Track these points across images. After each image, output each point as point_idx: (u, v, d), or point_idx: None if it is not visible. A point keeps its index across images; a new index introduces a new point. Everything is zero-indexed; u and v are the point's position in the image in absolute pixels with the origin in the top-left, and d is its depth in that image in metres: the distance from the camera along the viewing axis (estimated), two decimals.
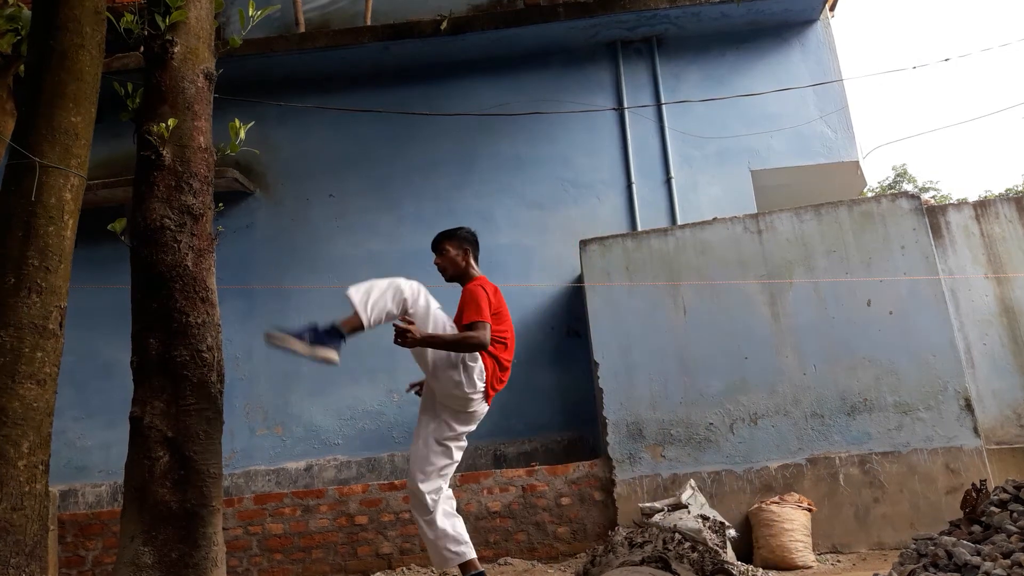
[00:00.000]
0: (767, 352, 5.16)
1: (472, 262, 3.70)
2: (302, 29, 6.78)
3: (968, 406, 4.89)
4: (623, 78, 6.74)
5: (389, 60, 6.73)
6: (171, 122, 2.84)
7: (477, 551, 5.14)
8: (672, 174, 6.51)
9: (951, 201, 14.61)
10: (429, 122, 6.54)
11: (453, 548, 3.40)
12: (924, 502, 4.80)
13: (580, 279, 5.87)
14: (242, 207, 6.61)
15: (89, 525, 5.33)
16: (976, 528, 2.88)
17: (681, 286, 5.34)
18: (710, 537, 3.94)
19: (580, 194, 6.54)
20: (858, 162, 6.53)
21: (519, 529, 5.20)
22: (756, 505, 4.84)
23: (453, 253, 3.67)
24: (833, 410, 5.02)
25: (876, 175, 21.82)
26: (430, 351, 3.42)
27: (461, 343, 3.36)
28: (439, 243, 3.72)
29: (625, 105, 6.66)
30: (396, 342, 3.31)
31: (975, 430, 4.86)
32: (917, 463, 4.86)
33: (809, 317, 5.17)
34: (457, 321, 3.50)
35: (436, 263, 3.71)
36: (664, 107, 6.63)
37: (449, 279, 3.73)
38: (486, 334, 3.36)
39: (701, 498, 4.69)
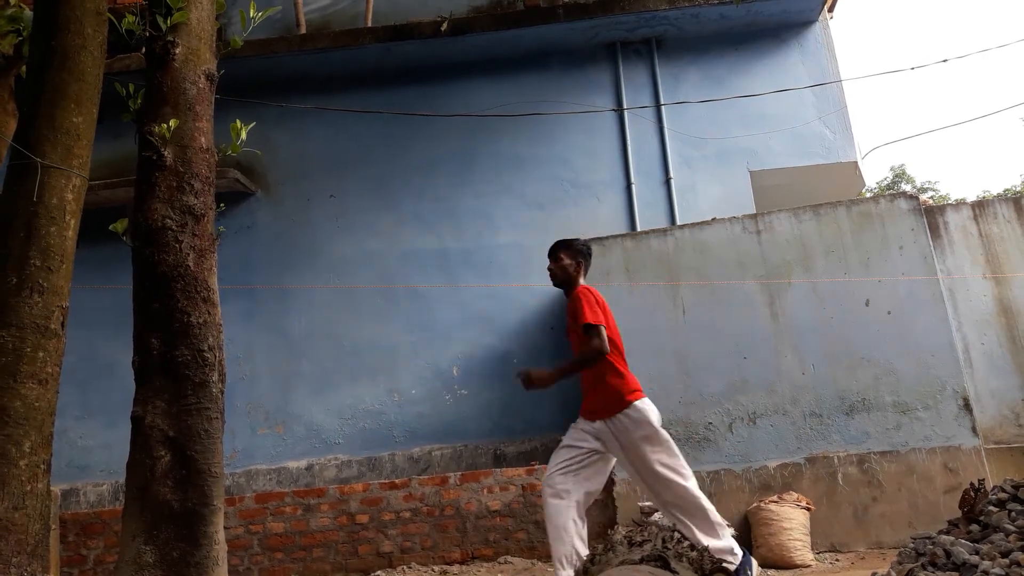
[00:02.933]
0: (766, 352, 5.17)
1: (582, 273, 3.84)
2: (303, 30, 6.79)
3: (966, 406, 4.90)
4: (622, 79, 6.75)
5: (390, 61, 6.75)
6: (172, 123, 2.85)
7: (477, 550, 5.21)
8: (671, 174, 6.52)
9: (949, 201, 14.62)
10: (429, 123, 6.55)
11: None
12: (922, 501, 4.81)
13: None
14: (243, 207, 6.62)
15: (91, 524, 5.35)
16: (974, 527, 2.88)
17: (680, 286, 5.36)
18: None
19: (580, 194, 6.55)
20: (856, 163, 6.54)
21: (519, 528, 5.22)
22: (755, 504, 4.85)
23: (567, 262, 3.82)
24: (832, 410, 5.03)
25: (875, 175, 21.85)
26: None
27: (584, 358, 3.53)
28: (555, 251, 3.87)
29: (624, 106, 6.68)
30: (526, 387, 3.60)
31: (973, 430, 4.87)
32: (915, 462, 4.88)
33: (808, 317, 5.18)
34: (571, 327, 3.69)
35: (548, 268, 3.87)
36: (663, 108, 6.64)
37: (557, 285, 3.89)
38: (602, 339, 3.51)
39: None
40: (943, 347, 4.99)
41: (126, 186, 6.03)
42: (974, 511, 3.00)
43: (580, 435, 3.63)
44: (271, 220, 6.65)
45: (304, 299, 6.39)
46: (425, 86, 6.81)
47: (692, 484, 3.48)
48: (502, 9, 6.88)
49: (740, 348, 5.20)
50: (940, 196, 18.93)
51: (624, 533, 3.96)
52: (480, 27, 6.48)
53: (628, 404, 3.51)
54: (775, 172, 6.59)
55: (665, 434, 3.53)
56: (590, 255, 3.92)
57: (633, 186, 6.51)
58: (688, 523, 3.44)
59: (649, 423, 3.50)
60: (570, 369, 3.63)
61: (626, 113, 6.66)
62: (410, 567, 5.14)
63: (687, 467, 3.52)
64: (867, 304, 5.13)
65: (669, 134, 6.60)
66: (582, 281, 3.82)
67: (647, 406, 3.55)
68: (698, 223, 5.59)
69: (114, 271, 5.42)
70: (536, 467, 5.37)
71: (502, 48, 6.73)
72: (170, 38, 2.95)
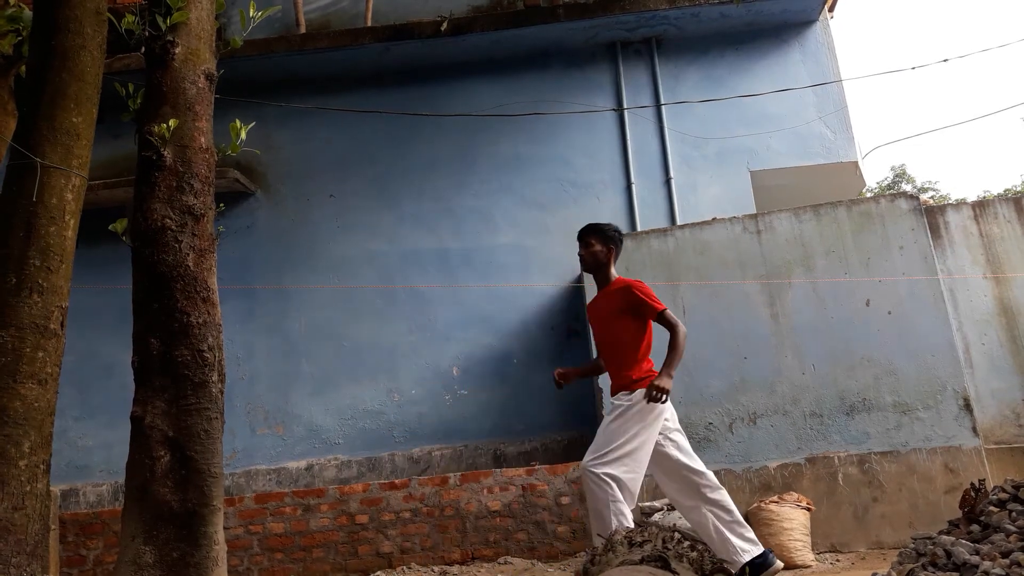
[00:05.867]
0: (766, 352, 5.17)
1: (613, 260, 3.84)
2: (303, 30, 6.79)
3: (967, 406, 4.90)
4: (623, 79, 6.75)
5: (390, 61, 6.75)
6: (172, 123, 2.84)
7: (477, 550, 5.20)
8: (671, 174, 6.52)
9: (950, 201, 14.62)
10: (429, 122, 6.56)
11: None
12: (923, 501, 4.80)
13: (580, 279, 5.89)
14: (243, 207, 6.62)
15: (90, 524, 5.35)
16: (975, 527, 2.88)
17: (680, 286, 5.35)
18: None
19: (580, 194, 6.55)
20: (857, 162, 6.54)
21: (519, 528, 5.21)
22: (755, 504, 4.84)
23: (597, 248, 3.81)
24: (832, 410, 5.03)
25: (875, 175, 21.84)
26: None
27: (681, 343, 3.63)
28: (586, 235, 3.85)
29: (625, 106, 6.67)
30: (661, 400, 3.58)
31: (974, 430, 4.87)
32: (916, 463, 4.87)
33: (808, 317, 5.17)
34: (634, 315, 3.71)
35: (579, 253, 3.87)
36: (663, 108, 6.64)
37: (586, 270, 3.91)
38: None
39: None
40: (943, 347, 4.99)
41: (126, 186, 6.03)
42: (974, 511, 3.00)
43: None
44: (271, 220, 6.65)
45: (304, 299, 6.39)
46: (425, 86, 6.81)
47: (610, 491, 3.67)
48: (502, 9, 6.88)
49: (740, 348, 5.20)
50: (940, 196, 18.91)
51: (624, 533, 3.96)
52: (480, 27, 6.48)
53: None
54: (775, 172, 6.59)
55: (642, 437, 3.71)
56: (621, 240, 3.93)
57: (633, 186, 6.51)
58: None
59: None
60: (676, 358, 3.65)
61: (626, 113, 6.65)
62: (410, 567, 5.13)
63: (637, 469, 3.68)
64: (867, 304, 5.12)
65: (669, 134, 6.60)
66: (614, 270, 3.84)
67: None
68: (698, 223, 5.58)
69: (114, 271, 5.42)
70: (536, 467, 5.37)
71: (502, 48, 6.73)
72: (170, 38, 2.95)
